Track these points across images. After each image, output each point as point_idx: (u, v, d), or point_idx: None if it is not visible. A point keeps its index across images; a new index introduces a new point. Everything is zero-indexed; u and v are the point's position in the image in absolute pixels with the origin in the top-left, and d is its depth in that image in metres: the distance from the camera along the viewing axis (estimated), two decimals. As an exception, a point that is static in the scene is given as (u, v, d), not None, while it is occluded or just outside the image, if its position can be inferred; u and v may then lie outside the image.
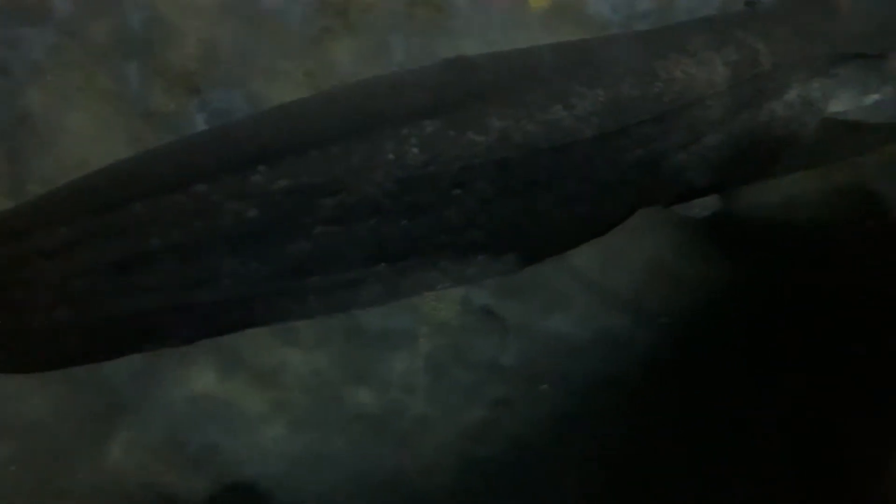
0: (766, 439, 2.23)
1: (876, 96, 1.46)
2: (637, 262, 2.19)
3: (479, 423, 2.19)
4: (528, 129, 1.34)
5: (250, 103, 2.03)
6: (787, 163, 1.52)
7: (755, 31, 1.45)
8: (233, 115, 1.99)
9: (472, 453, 2.19)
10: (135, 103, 2.03)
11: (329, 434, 2.15)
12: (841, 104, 1.45)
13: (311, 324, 2.12)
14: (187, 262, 1.21)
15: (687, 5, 2.05)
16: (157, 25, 2.03)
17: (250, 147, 1.23)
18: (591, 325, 2.21)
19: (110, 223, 1.19)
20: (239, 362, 2.11)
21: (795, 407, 2.21)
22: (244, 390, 2.13)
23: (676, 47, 1.43)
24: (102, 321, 1.23)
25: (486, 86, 1.33)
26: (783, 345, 2.16)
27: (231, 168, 1.20)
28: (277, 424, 2.14)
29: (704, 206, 1.49)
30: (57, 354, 1.28)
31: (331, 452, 2.15)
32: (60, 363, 1.31)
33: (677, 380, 2.20)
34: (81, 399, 2.03)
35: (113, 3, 2.01)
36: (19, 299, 1.20)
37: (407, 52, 2.01)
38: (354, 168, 1.24)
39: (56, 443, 2.06)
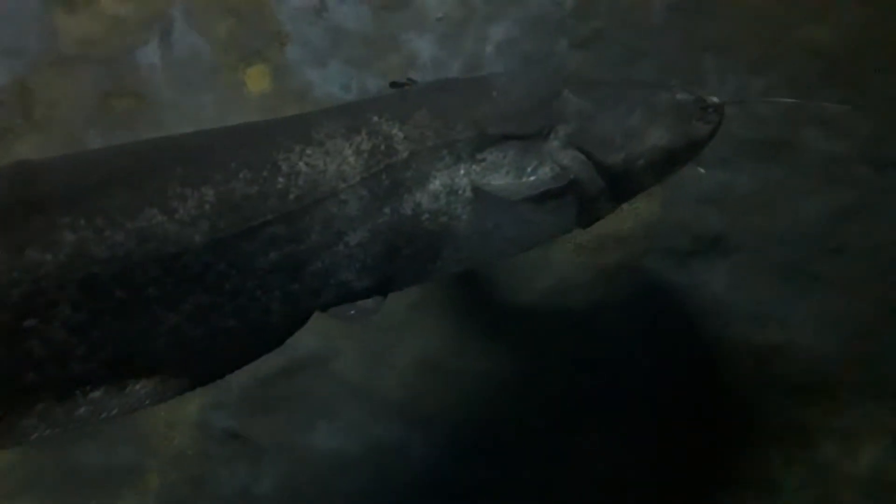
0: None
1: (532, 178, 1.29)
2: (404, 362, 1.96)
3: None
4: (115, 240, 1.11)
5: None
6: (454, 256, 1.33)
7: (392, 115, 1.27)
8: None
9: None
10: None
11: None
12: (496, 188, 1.28)
13: (22, 462, 1.77)
14: None
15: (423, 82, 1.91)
16: None
17: None
18: (361, 436, 1.94)
19: None
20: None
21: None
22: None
23: (303, 137, 1.23)
24: None
25: (54, 194, 1.10)
26: (556, 434, 1.95)
27: None
28: None
29: (364, 308, 1.28)
30: None
31: None
32: None
33: (456, 484, 1.94)
34: None
35: None
36: None
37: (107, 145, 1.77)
38: None
39: None
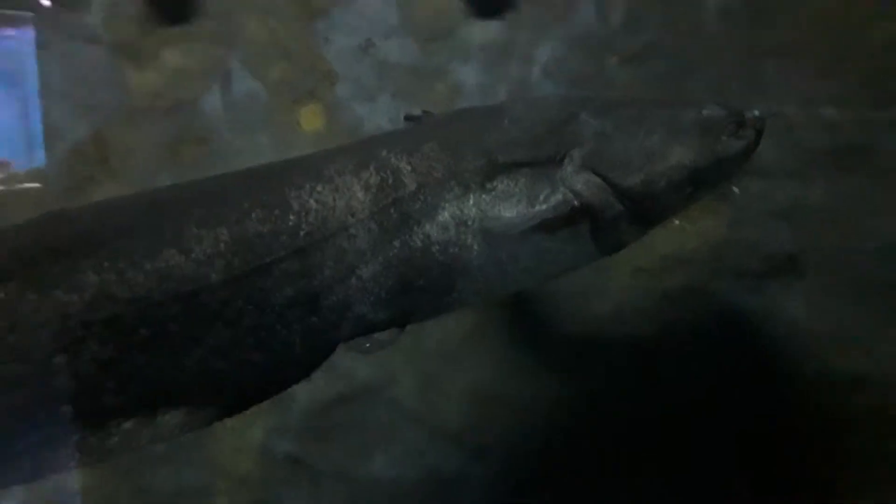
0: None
1: (543, 206, 1.25)
2: (460, 390, 1.95)
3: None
4: (136, 281, 1.19)
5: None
6: (469, 287, 1.30)
7: (400, 149, 1.28)
8: None
9: None
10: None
11: None
12: (506, 219, 1.25)
13: (99, 484, 1.93)
14: None
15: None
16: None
17: None
18: (418, 464, 1.95)
19: None
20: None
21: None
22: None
23: (313, 175, 1.27)
24: None
25: (79, 240, 1.20)
26: (617, 464, 1.85)
27: None
28: None
29: (379, 341, 1.29)
30: None
31: None
32: None
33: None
34: None
35: None
36: None
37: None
38: None
39: None
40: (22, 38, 1.99)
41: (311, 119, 1.97)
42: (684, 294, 1.88)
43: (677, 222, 1.86)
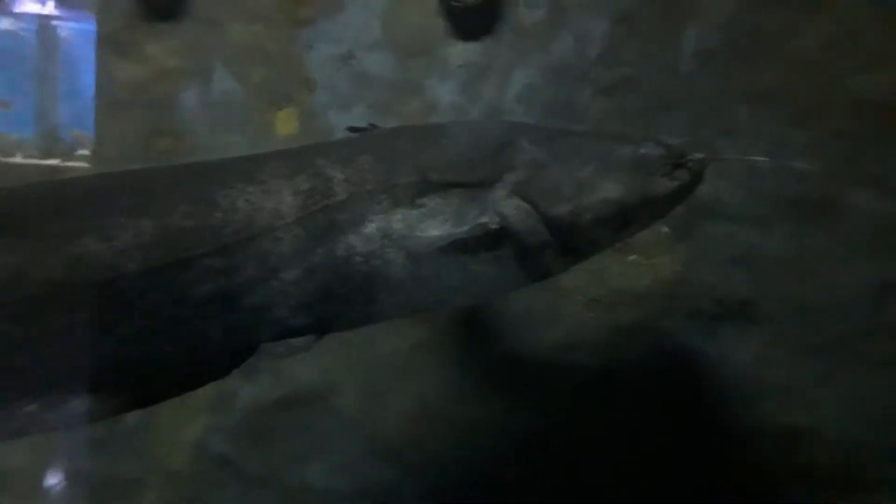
0: None
1: (465, 227, 1.25)
2: (404, 404, 1.94)
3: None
4: (51, 264, 1.21)
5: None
6: (391, 301, 1.30)
7: (336, 158, 1.29)
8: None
9: None
10: None
11: None
12: (432, 236, 1.25)
13: (31, 465, 1.95)
14: None
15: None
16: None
17: None
18: (353, 476, 1.94)
19: None
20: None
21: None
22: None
23: (247, 176, 1.29)
24: None
25: (3, 219, 1.23)
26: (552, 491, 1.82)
27: None
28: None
29: (294, 346, 1.29)
30: None
31: None
32: None
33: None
34: None
35: None
36: None
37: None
38: None
39: None
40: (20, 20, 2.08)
41: (286, 123, 2.00)
42: (635, 329, 1.86)
43: (633, 257, 1.84)
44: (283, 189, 1.28)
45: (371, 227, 1.28)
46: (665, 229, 1.80)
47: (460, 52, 1.96)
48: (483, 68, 1.95)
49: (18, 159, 2.07)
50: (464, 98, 1.96)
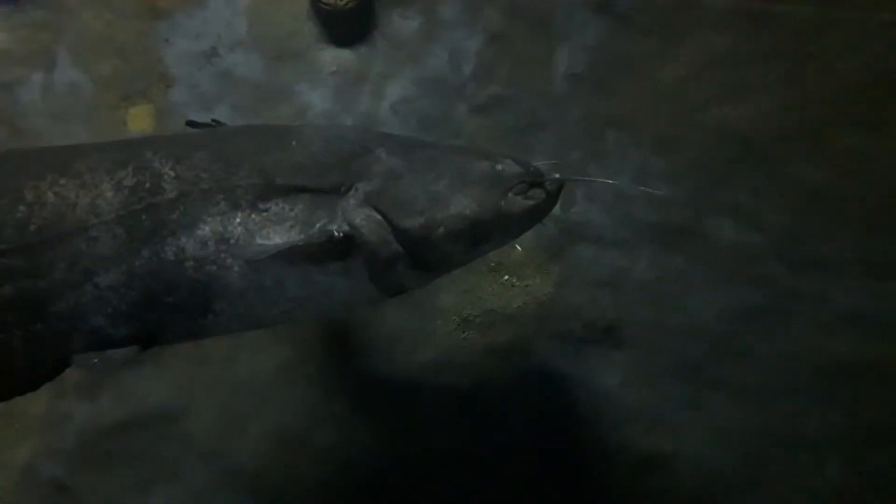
0: None
1: (310, 235, 1.17)
2: (263, 429, 1.80)
3: None
4: None
5: None
6: (229, 312, 1.20)
7: (168, 153, 1.18)
8: None
9: None
10: None
11: None
12: (275, 243, 1.16)
13: None
14: None
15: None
16: None
17: None
18: (202, 505, 1.79)
19: None
20: None
21: None
22: None
23: (61, 166, 1.15)
24: None
25: None
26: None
27: None
28: None
29: (111, 358, 1.16)
30: None
31: None
32: None
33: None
34: None
35: None
36: None
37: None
38: None
39: None
40: None
41: (139, 119, 1.85)
42: (507, 350, 1.82)
43: (507, 278, 1.81)
44: (103, 183, 1.15)
45: (205, 230, 1.16)
46: (536, 251, 1.79)
47: (333, 57, 1.88)
48: (357, 76, 1.88)
49: None
50: (337, 106, 1.88)
